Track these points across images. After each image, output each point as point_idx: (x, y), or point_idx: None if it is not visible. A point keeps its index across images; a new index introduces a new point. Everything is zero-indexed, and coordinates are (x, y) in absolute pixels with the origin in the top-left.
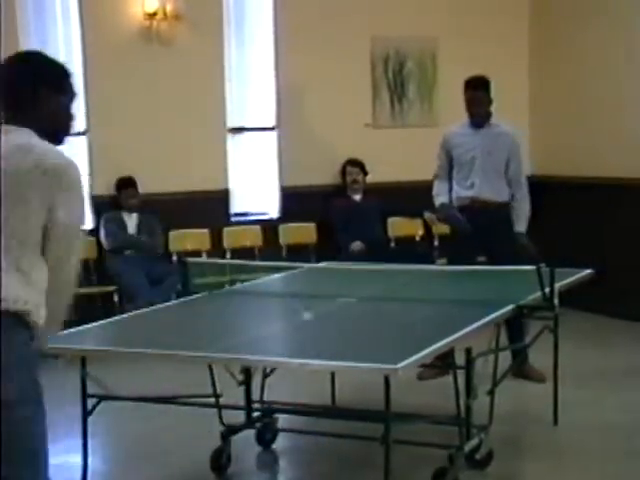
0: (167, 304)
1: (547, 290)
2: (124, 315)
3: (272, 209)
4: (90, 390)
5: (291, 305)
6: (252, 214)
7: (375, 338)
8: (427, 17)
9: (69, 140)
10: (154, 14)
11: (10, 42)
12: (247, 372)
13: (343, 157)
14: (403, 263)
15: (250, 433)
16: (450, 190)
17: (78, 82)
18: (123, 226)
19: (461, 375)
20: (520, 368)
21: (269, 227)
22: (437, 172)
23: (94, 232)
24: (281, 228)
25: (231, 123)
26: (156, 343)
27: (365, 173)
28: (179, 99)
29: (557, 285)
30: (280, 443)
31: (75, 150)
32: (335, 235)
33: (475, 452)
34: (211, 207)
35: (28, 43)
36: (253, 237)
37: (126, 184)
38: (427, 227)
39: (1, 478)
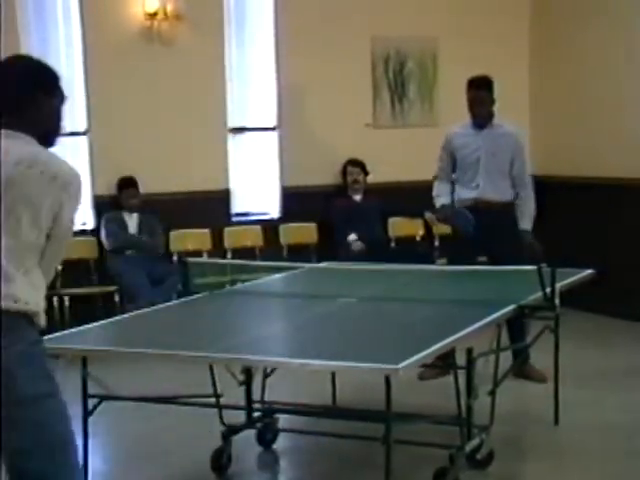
0: (168, 304)
1: (548, 290)
2: (125, 315)
3: (273, 209)
4: (91, 390)
5: (292, 305)
6: (253, 214)
7: (376, 338)
8: (427, 17)
9: (69, 141)
10: (155, 14)
11: (10, 42)
12: (248, 372)
13: (344, 157)
14: (403, 263)
15: (251, 433)
16: (452, 192)
17: (79, 82)
18: (124, 226)
19: (462, 375)
20: (521, 368)
21: (270, 227)
22: (438, 173)
23: (95, 232)
24: (282, 228)
25: (232, 123)
26: (157, 343)
27: (366, 173)
28: (180, 99)
29: (558, 285)
30: (281, 443)
31: (76, 150)
32: (336, 235)
33: (476, 452)
34: (212, 207)
35: (29, 43)
36: (254, 237)
37: (127, 184)
38: (427, 227)
39: (27, 470)
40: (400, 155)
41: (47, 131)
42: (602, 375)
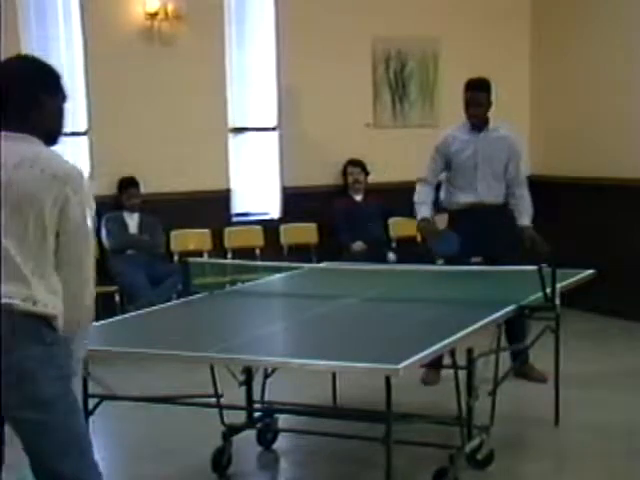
0: (168, 304)
1: (549, 290)
2: (125, 315)
3: (273, 209)
4: (91, 390)
5: (292, 305)
6: (253, 214)
7: (376, 338)
8: (429, 17)
9: (70, 141)
10: (155, 14)
11: (11, 42)
12: (248, 372)
13: (344, 157)
14: (404, 263)
15: (251, 433)
16: (435, 200)
17: (79, 82)
18: (124, 226)
19: (462, 375)
20: (521, 368)
21: (270, 227)
22: (426, 175)
23: (95, 232)
24: (282, 228)
25: (232, 123)
26: (157, 343)
27: (366, 173)
28: (180, 99)
29: (559, 285)
30: (281, 443)
31: (76, 150)
32: (336, 235)
33: (476, 452)
34: (212, 207)
35: (29, 43)
36: (254, 237)
37: (128, 184)
38: None
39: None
40: (401, 155)
41: (50, 131)
42: (602, 375)
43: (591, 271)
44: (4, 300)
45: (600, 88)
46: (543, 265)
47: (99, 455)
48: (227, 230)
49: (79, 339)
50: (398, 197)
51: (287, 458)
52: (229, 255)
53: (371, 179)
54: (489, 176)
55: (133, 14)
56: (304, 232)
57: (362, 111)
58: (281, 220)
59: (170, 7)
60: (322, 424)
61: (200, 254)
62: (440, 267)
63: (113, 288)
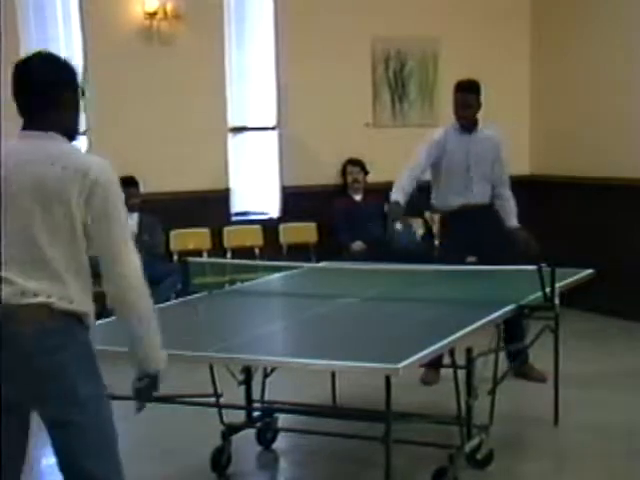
0: (167, 304)
1: (548, 290)
2: None
3: (273, 209)
4: None
5: (291, 305)
6: (253, 213)
7: (376, 338)
8: (428, 17)
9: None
10: (154, 13)
11: (10, 42)
12: (247, 371)
13: (344, 157)
14: (404, 263)
15: (250, 433)
16: (410, 191)
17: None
18: None
19: (462, 375)
20: (521, 368)
21: (270, 227)
22: (413, 166)
23: None
24: (282, 228)
25: (232, 123)
26: None
27: (366, 173)
28: (180, 99)
29: (558, 285)
30: (280, 443)
31: None
32: (336, 235)
33: (476, 452)
34: (212, 207)
35: (29, 43)
36: (254, 237)
37: (127, 184)
38: (428, 227)
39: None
40: (400, 155)
41: (70, 127)
42: (602, 375)
43: (590, 271)
44: (41, 299)
45: (600, 88)
46: (542, 265)
47: None
48: (226, 230)
49: (138, 321)
50: None
51: (287, 457)
52: (228, 255)
53: (370, 179)
54: (479, 177)
55: (132, 14)
56: (303, 232)
57: (362, 111)
58: (280, 219)
59: (169, 7)
60: (322, 423)
61: (199, 254)
62: (439, 267)
63: None
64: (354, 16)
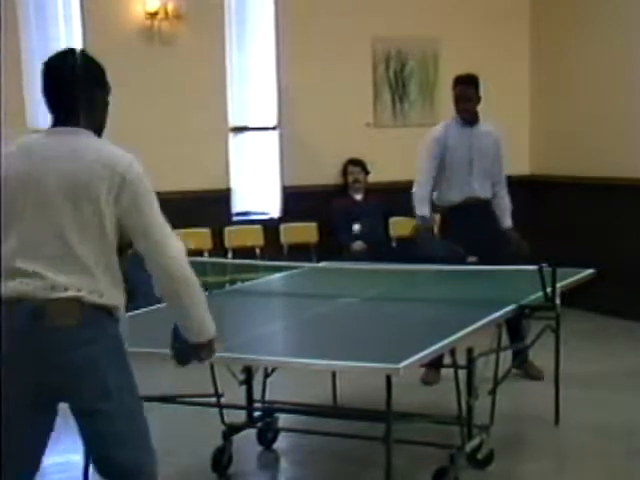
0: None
1: (549, 290)
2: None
3: (273, 208)
4: None
5: (292, 305)
6: (253, 213)
7: (376, 338)
8: (429, 17)
9: None
10: (155, 14)
11: (11, 41)
12: (248, 371)
13: (344, 157)
14: (404, 263)
15: (251, 432)
16: (430, 200)
17: None
18: None
19: (462, 375)
20: (520, 365)
21: (270, 226)
22: (423, 176)
23: None
24: (282, 227)
25: (233, 122)
26: (157, 343)
27: (366, 172)
28: (180, 99)
29: (559, 285)
30: (281, 443)
31: None
32: (336, 235)
33: (476, 452)
34: (212, 206)
35: (29, 43)
36: (254, 236)
37: None
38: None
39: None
40: (401, 155)
41: (98, 123)
42: (602, 375)
43: (591, 271)
44: (71, 293)
45: (600, 88)
46: (543, 265)
47: None
48: (227, 229)
49: (189, 308)
50: (398, 196)
51: (287, 457)
52: (229, 254)
53: (371, 178)
54: (482, 171)
55: (133, 14)
56: (304, 231)
57: (362, 111)
58: (281, 219)
59: (170, 7)
60: (322, 423)
61: (200, 253)
62: (440, 267)
63: None
64: (354, 16)
